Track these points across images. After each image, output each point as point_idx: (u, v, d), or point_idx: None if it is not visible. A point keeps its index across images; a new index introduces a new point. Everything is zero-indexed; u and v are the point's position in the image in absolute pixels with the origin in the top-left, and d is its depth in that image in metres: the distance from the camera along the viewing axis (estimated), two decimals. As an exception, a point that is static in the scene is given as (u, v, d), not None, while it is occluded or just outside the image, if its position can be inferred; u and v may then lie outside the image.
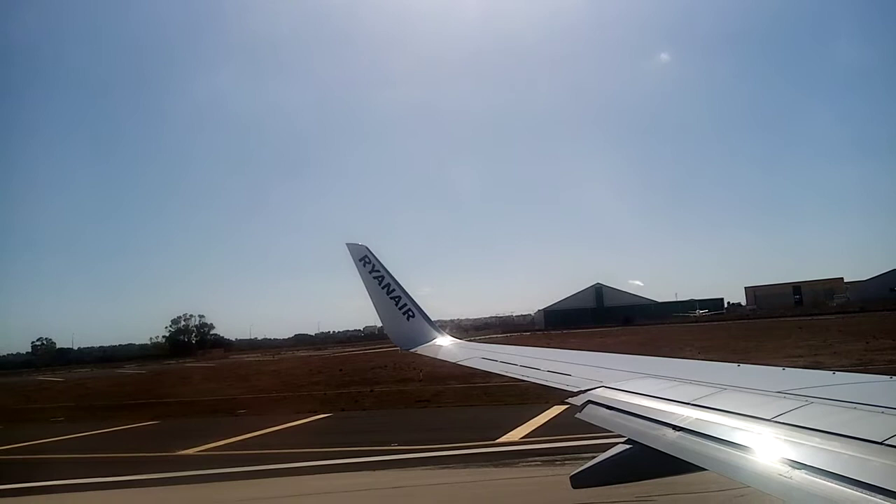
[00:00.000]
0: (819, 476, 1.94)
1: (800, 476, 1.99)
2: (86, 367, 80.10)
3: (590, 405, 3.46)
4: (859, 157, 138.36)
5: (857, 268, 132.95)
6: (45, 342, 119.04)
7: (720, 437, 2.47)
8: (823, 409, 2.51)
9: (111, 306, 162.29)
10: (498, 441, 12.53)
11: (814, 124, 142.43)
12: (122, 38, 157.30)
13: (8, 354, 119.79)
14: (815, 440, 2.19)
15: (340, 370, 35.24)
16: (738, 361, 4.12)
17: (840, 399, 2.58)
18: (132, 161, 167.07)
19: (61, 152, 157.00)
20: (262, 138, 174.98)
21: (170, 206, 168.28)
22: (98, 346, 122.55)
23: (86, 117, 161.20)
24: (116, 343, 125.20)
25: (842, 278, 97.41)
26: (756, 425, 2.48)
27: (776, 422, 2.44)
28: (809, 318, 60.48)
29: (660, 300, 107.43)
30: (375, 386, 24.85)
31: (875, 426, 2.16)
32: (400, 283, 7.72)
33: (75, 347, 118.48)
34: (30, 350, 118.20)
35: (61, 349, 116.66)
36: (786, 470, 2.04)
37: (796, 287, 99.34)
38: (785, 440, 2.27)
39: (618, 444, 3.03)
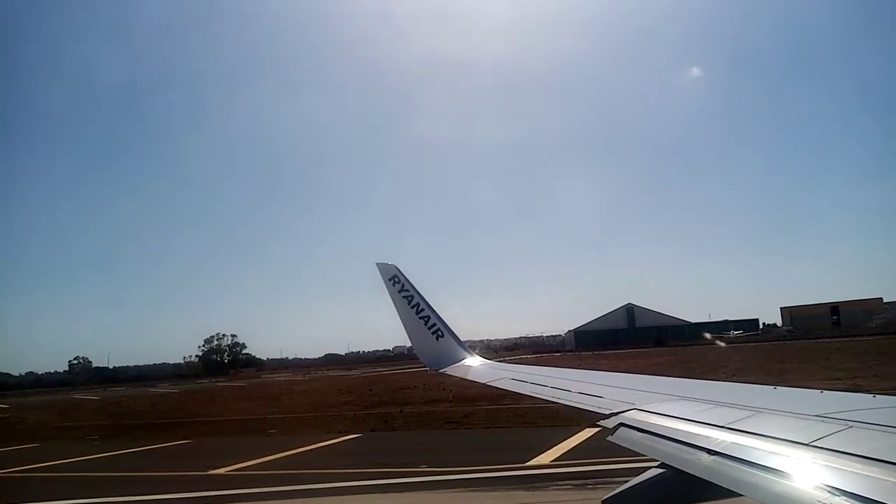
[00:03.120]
0: (860, 503, 1.89)
1: (840, 503, 1.93)
2: (121, 386, 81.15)
3: (622, 428, 3.41)
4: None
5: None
6: (81, 361, 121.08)
7: (757, 462, 2.41)
8: (864, 434, 2.44)
9: (146, 326, 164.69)
10: (529, 464, 12.40)
11: (850, 140, 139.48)
12: (156, 55, 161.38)
13: (45, 373, 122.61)
14: (856, 466, 2.12)
15: (370, 390, 35.26)
16: (775, 384, 4.04)
17: (882, 423, 2.51)
18: (167, 183, 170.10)
19: (97, 174, 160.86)
20: (293, 159, 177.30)
21: (203, 227, 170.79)
22: (133, 364, 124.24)
23: (118, 139, 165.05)
24: (151, 362, 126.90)
25: (881, 298, 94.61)
26: (794, 450, 2.41)
27: (815, 446, 2.37)
28: (848, 339, 58.93)
29: (693, 320, 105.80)
30: (405, 406, 24.81)
31: (919, 452, 2.10)
32: (429, 302, 7.73)
33: (111, 366, 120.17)
34: (66, 369, 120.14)
35: (97, 368, 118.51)
36: (825, 496, 1.98)
37: (834, 307, 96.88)
38: (824, 465, 2.20)
39: (651, 467, 2.98)
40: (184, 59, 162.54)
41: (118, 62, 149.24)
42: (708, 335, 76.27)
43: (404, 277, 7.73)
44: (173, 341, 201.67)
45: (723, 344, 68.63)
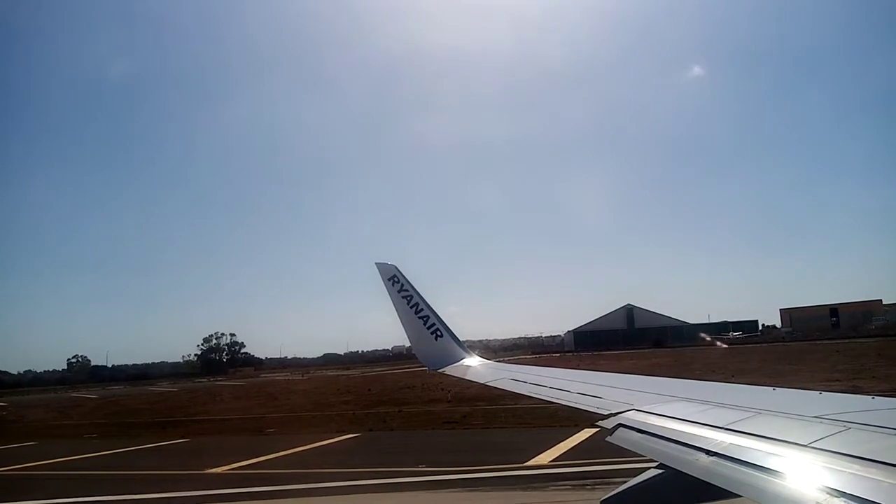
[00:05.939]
0: (858, 504, 1.88)
1: (838, 504, 1.93)
2: (119, 385, 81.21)
3: (621, 428, 3.40)
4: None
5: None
6: (80, 359, 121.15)
7: (755, 463, 2.40)
8: (863, 435, 2.44)
9: (145, 325, 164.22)
10: (527, 464, 12.39)
11: (850, 141, 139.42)
12: (158, 54, 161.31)
13: (44, 371, 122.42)
14: (855, 467, 2.12)
15: (369, 390, 35.26)
16: (773, 385, 4.03)
17: (880, 425, 2.51)
18: (165, 180, 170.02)
19: (94, 172, 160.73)
20: (293, 157, 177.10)
21: (202, 226, 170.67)
22: (132, 363, 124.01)
23: (116, 137, 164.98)
24: (150, 361, 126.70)
25: (880, 300, 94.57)
26: (793, 451, 2.41)
27: (813, 447, 2.37)
28: (847, 340, 58.99)
29: (692, 321, 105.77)
30: (404, 406, 24.80)
31: (918, 453, 2.09)
32: (428, 302, 7.73)
33: (109, 365, 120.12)
34: (65, 367, 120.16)
35: (96, 366, 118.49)
36: (824, 498, 1.98)
37: (833, 309, 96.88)
38: (823, 466, 2.20)
39: (649, 468, 2.98)
40: (182, 55, 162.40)
41: (115, 59, 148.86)
42: (707, 336, 76.25)
43: (403, 277, 7.73)
44: (172, 340, 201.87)
45: (722, 345, 68.63)
